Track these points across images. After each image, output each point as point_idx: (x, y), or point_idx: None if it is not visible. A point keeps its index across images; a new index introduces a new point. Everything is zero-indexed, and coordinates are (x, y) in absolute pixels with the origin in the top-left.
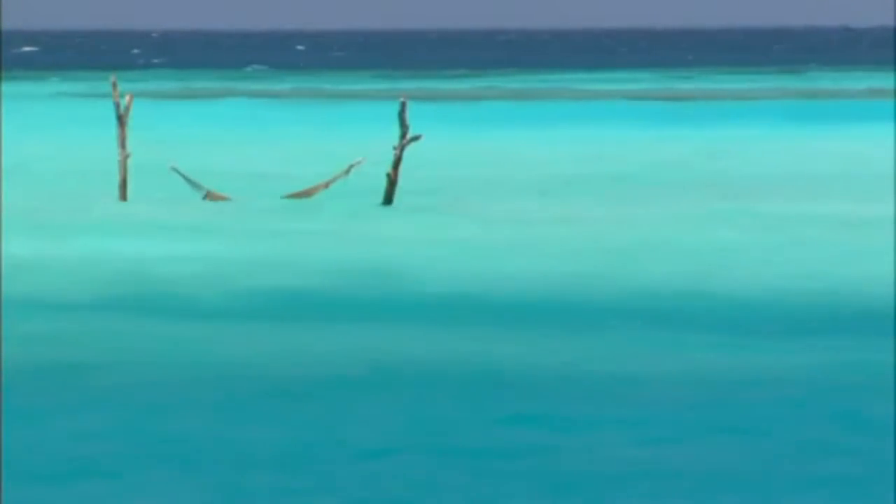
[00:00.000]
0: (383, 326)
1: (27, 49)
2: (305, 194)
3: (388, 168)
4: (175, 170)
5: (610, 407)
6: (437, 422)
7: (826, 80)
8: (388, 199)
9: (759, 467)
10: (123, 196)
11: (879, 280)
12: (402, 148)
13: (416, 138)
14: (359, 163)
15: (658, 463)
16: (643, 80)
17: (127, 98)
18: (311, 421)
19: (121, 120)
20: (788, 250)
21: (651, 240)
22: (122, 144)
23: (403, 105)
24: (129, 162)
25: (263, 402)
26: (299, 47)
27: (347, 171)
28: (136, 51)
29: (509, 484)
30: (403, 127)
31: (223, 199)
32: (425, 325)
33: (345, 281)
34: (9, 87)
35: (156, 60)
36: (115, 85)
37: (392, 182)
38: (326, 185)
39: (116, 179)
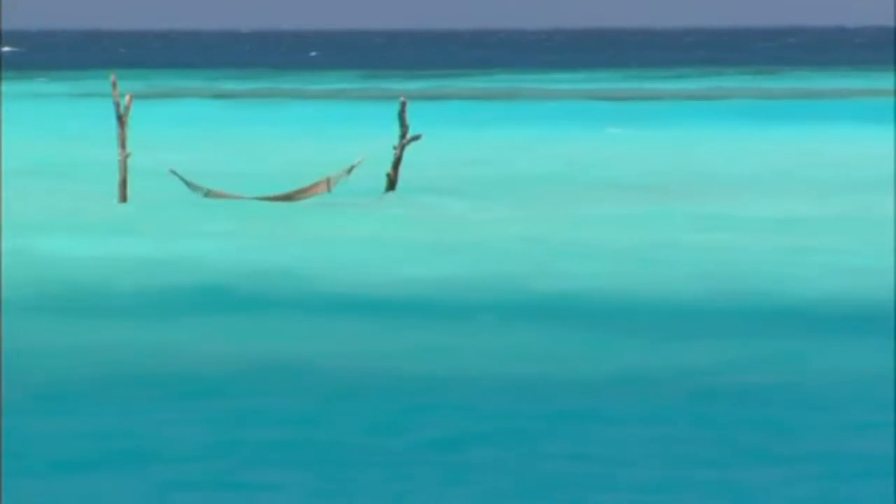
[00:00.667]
0: (339, 323)
1: (18, 49)
2: (305, 194)
3: (388, 168)
4: (173, 172)
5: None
6: (364, 418)
7: (793, 80)
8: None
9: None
10: (123, 196)
11: (808, 280)
12: (402, 148)
13: (416, 138)
14: (359, 163)
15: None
16: (620, 80)
17: (127, 98)
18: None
19: (121, 120)
20: (715, 251)
21: (587, 240)
22: (122, 144)
23: (403, 105)
24: (129, 161)
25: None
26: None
27: (348, 172)
28: (121, 50)
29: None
30: (403, 127)
31: (225, 196)
32: (365, 322)
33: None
34: (7, 87)
35: (150, 60)
36: (114, 84)
37: (392, 182)
38: (328, 186)
39: (115, 179)
